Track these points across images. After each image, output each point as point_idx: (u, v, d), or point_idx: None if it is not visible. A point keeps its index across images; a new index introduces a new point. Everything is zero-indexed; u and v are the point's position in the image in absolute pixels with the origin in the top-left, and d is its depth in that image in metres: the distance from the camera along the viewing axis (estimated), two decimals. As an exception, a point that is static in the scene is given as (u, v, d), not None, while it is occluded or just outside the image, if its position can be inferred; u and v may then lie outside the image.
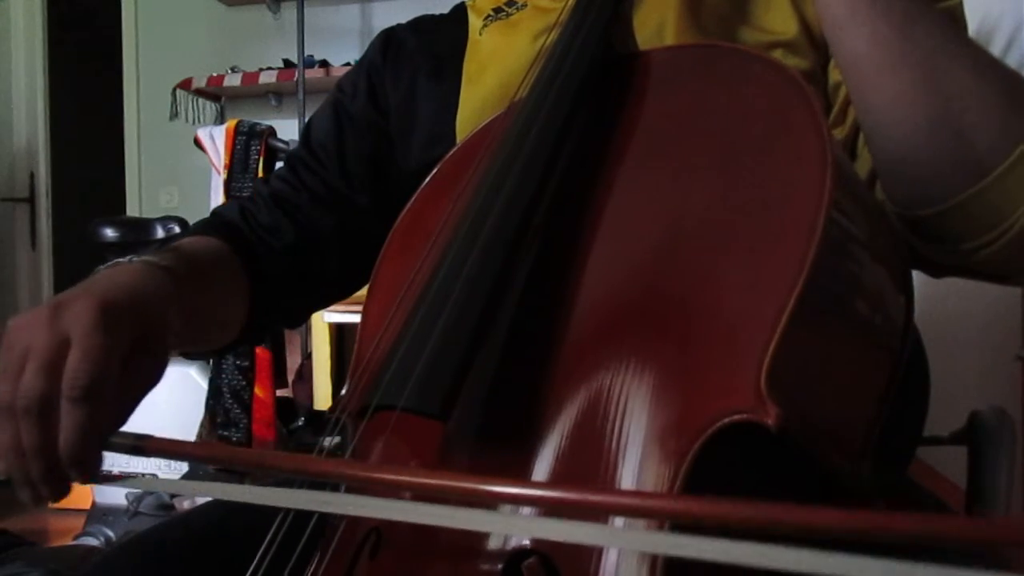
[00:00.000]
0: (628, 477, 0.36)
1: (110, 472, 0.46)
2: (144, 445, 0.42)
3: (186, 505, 1.95)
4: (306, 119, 2.59)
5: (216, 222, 0.68)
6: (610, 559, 0.35)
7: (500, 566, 0.37)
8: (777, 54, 0.62)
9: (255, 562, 0.42)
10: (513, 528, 0.37)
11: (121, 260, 0.52)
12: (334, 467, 0.38)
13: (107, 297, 0.44)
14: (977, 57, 0.49)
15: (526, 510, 0.38)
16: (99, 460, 0.43)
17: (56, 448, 0.41)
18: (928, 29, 0.48)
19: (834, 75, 0.63)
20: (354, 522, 0.45)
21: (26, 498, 0.43)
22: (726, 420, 0.34)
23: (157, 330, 0.47)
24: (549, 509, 0.34)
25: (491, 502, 0.34)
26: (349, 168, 0.73)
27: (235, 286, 0.62)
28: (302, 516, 0.44)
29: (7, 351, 0.43)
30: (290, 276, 0.68)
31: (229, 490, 0.40)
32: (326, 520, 0.46)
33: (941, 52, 0.48)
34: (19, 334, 0.43)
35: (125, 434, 0.43)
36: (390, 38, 0.79)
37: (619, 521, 0.35)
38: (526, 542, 0.38)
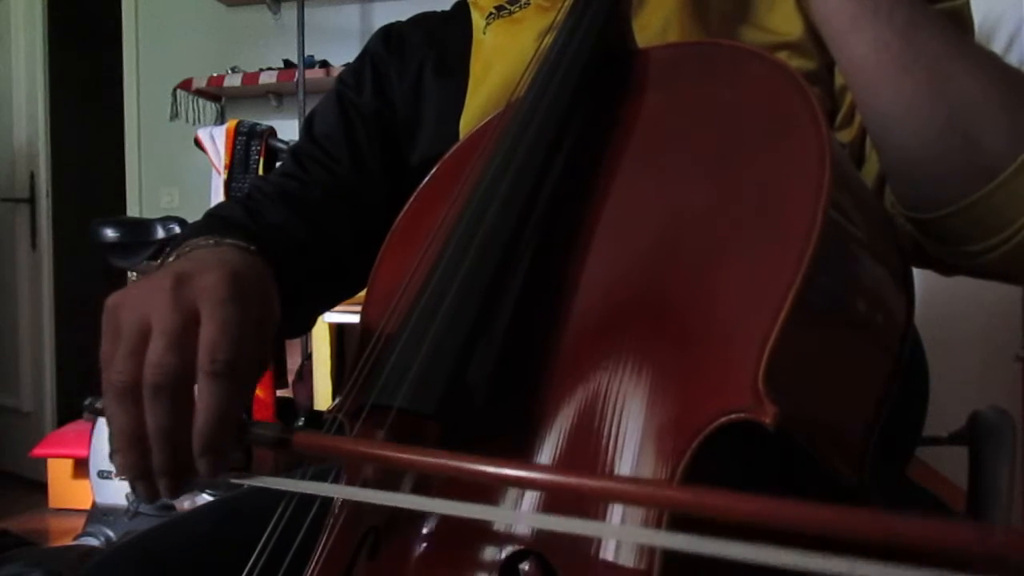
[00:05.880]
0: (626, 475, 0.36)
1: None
2: (289, 438, 0.36)
3: (186, 506, 1.95)
4: (306, 119, 2.59)
5: (219, 224, 0.61)
6: (607, 558, 0.35)
7: (497, 567, 0.37)
8: (782, 55, 0.61)
9: (251, 561, 0.42)
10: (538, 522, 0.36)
11: (202, 243, 0.48)
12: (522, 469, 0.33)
13: (235, 269, 0.41)
14: (982, 60, 0.48)
15: (527, 504, 0.38)
16: (234, 449, 0.38)
17: (187, 434, 0.37)
18: (932, 33, 0.48)
19: (840, 77, 0.62)
20: (352, 521, 0.45)
21: (140, 493, 0.39)
22: (723, 419, 0.34)
23: (271, 312, 0.44)
24: (558, 496, 0.33)
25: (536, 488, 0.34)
26: (361, 159, 0.71)
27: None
28: (299, 514, 0.44)
29: (113, 329, 0.39)
30: (304, 276, 0.62)
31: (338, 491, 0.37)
32: (323, 518, 0.46)
33: (946, 56, 0.47)
34: (131, 310, 0.39)
35: (266, 424, 0.38)
36: (391, 32, 0.78)
37: (617, 518, 0.35)
38: (526, 532, 0.37)
